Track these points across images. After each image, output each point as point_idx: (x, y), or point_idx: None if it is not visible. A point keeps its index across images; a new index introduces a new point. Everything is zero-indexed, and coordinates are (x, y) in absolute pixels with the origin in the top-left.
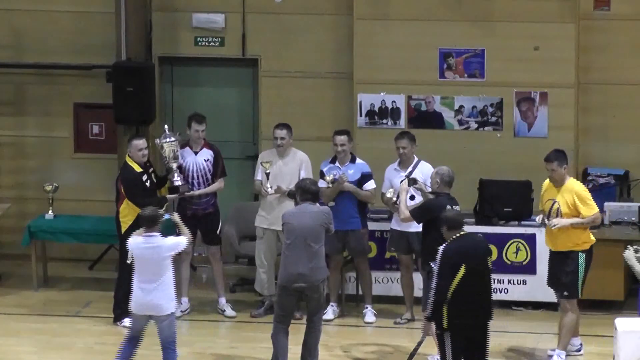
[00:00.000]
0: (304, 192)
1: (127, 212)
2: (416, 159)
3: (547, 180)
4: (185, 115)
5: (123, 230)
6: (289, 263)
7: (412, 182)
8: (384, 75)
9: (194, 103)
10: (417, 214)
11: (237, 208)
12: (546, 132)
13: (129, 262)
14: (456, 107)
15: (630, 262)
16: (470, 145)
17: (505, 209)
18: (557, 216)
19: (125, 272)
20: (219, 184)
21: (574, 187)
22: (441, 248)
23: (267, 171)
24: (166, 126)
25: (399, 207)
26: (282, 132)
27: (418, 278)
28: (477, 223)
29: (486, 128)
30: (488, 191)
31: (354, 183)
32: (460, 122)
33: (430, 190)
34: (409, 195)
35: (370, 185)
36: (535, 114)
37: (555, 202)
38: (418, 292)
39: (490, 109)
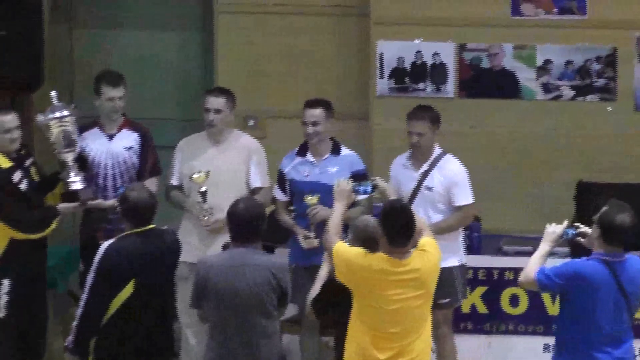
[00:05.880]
0: (238, 225)
1: None
2: (438, 150)
3: None
4: (92, 75)
5: None
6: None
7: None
8: (419, 10)
9: (108, 57)
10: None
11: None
12: None
13: (0, 315)
14: (540, 63)
15: None
16: (562, 125)
17: None
18: None
19: None
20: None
21: None
22: (102, 248)
23: (203, 189)
24: (53, 93)
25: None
26: (217, 101)
27: (467, 341)
28: (574, 253)
29: (589, 97)
30: (593, 202)
31: None
32: (547, 88)
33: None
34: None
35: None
36: None
37: None
38: None
39: (595, 66)
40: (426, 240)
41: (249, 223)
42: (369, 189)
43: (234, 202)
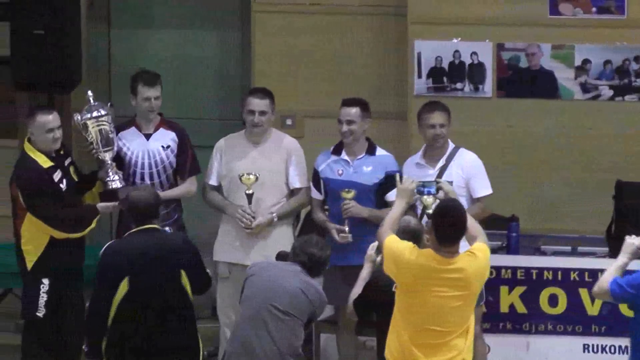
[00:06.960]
0: (303, 255)
1: (33, 235)
2: (451, 145)
3: None
4: (129, 75)
5: (29, 265)
6: (238, 343)
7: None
8: (457, 10)
9: (145, 56)
10: None
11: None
12: None
13: (39, 314)
14: (578, 63)
15: None
16: (600, 125)
17: None
18: None
19: (31, 334)
20: (188, 186)
21: None
22: (103, 249)
23: (250, 191)
24: (90, 92)
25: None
26: (262, 104)
27: (506, 341)
28: (613, 253)
29: (627, 97)
30: (632, 202)
31: (372, 189)
32: (585, 88)
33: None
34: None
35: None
36: None
37: None
38: None
39: (634, 66)
40: (478, 246)
41: (319, 261)
42: (433, 190)
43: (308, 240)
